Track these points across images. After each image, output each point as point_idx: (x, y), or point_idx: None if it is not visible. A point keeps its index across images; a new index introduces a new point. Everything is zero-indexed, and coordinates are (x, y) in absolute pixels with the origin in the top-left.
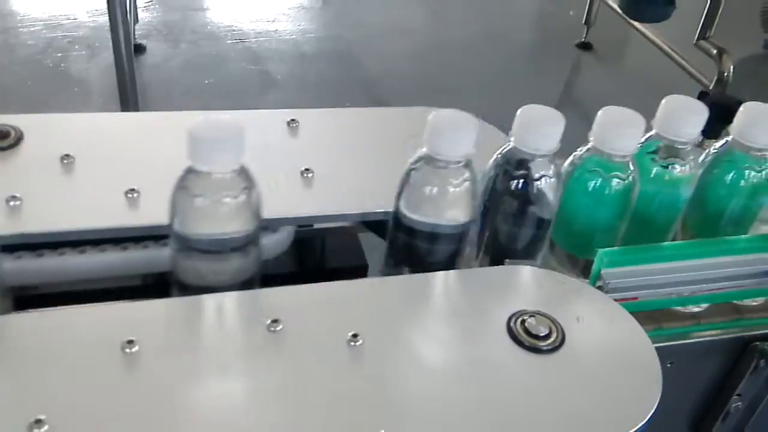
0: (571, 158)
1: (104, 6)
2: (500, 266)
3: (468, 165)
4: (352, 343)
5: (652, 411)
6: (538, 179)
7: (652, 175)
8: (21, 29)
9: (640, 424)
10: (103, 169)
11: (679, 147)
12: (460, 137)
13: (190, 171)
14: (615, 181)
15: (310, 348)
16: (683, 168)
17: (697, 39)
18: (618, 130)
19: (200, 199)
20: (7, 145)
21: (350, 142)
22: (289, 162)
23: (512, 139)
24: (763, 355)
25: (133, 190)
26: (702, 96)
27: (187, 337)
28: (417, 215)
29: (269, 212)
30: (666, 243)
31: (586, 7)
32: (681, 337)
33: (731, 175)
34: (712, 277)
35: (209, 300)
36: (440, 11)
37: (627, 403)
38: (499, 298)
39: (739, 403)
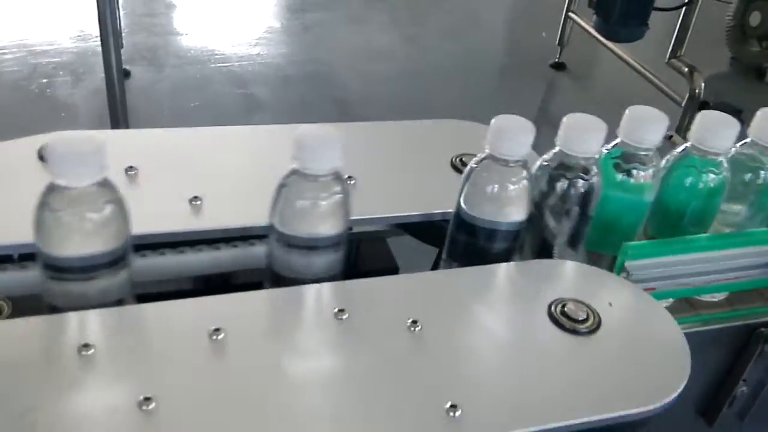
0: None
1: (86, 32)
2: (541, 260)
3: (525, 165)
4: (412, 329)
5: (683, 385)
6: (587, 181)
7: (617, 181)
8: (5, 55)
9: (673, 397)
10: (165, 179)
11: (642, 153)
12: (521, 139)
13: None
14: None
15: (374, 333)
16: (645, 173)
17: (669, 58)
18: (581, 133)
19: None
20: None
21: (384, 152)
22: None
23: (559, 143)
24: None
25: (196, 197)
26: (704, 106)
27: (267, 325)
28: (478, 213)
29: None
30: (683, 237)
31: (559, 29)
32: (694, 325)
33: (689, 179)
34: (725, 268)
35: (282, 293)
36: (416, 35)
37: (659, 379)
38: (541, 288)
39: (744, 388)
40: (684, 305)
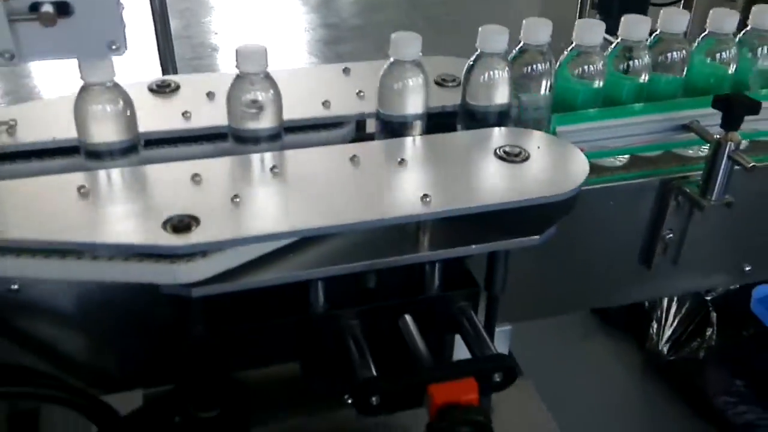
0: None
1: None
2: (499, 128)
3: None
4: (402, 162)
5: (582, 181)
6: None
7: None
8: None
9: (574, 188)
10: None
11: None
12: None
13: None
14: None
15: (377, 164)
16: (594, 68)
17: None
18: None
19: None
20: (170, 90)
21: None
22: None
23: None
24: (680, 192)
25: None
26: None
27: None
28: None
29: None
30: (603, 109)
31: None
32: (612, 181)
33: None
34: (638, 132)
35: None
36: None
37: (568, 182)
38: (491, 141)
39: (671, 235)
40: (605, 168)
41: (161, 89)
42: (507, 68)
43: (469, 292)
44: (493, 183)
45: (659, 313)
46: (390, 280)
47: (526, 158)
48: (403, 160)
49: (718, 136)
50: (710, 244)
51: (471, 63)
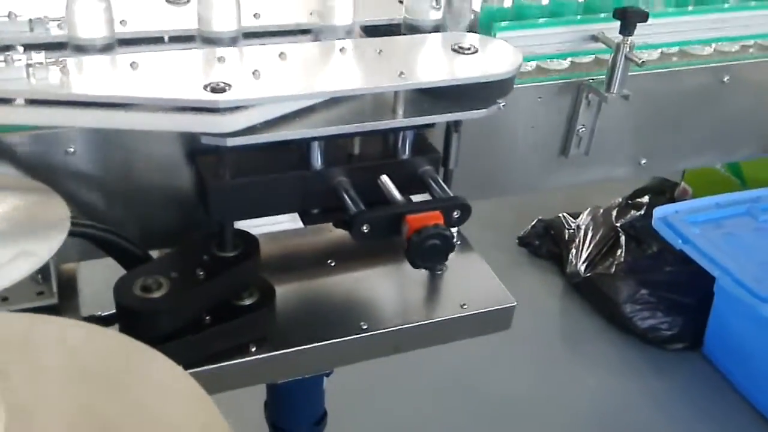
0: None
1: None
2: (453, 32)
3: None
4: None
5: (519, 64)
6: None
7: None
8: None
9: (512, 69)
10: None
11: None
12: None
13: None
14: None
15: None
16: None
17: None
18: None
19: None
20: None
21: None
22: None
23: None
24: (590, 89)
25: None
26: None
27: None
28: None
29: None
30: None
31: None
32: (540, 81)
33: None
34: (555, 41)
35: None
36: None
37: (504, 65)
38: (450, 39)
39: (584, 129)
40: (541, 70)
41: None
42: None
43: (431, 157)
44: (452, 66)
45: (578, 241)
46: (370, 149)
47: (476, 51)
48: (381, 51)
49: (617, 42)
50: (614, 140)
51: None
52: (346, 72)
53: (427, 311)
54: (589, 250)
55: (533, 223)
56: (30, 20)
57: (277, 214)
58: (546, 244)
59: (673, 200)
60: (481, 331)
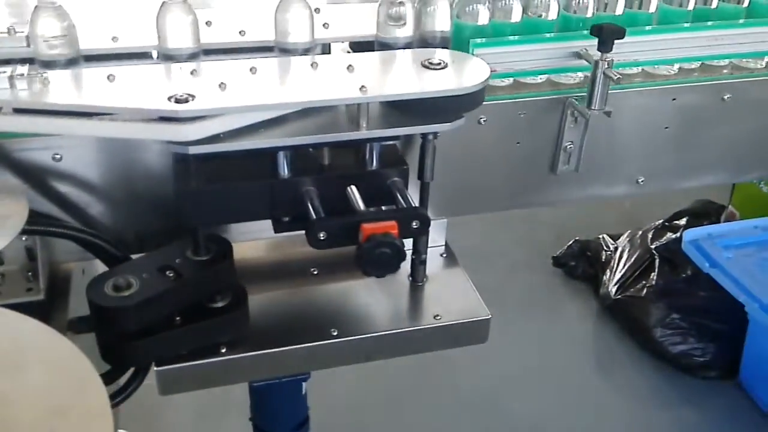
0: None
1: None
2: (427, 49)
3: None
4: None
5: (486, 77)
6: None
7: None
8: None
9: (480, 81)
10: None
11: None
12: None
13: None
14: None
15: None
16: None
17: None
18: None
19: None
20: None
21: None
22: None
23: None
24: (574, 107)
25: None
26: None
27: None
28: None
29: None
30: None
31: None
32: (524, 97)
33: None
34: (538, 58)
35: None
36: None
37: (471, 79)
38: (421, 57)
39: (572, 145)
40: (520, 84)
41: None
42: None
43: (399, 169)
44: (416, 81)
45: (613, 263)
46: (340, 160)
47: (444, 67)
48: (350, 66)
49: (596, 59)
50: (606, 158)
51: None
52: (311, 85)
53: (400, 321)
54: (622, 272)
55: (570, 243)
56: (27, 36)
57: (247, 221)
58: (582, 265)
59: (714, 223)
60: (455, 343)
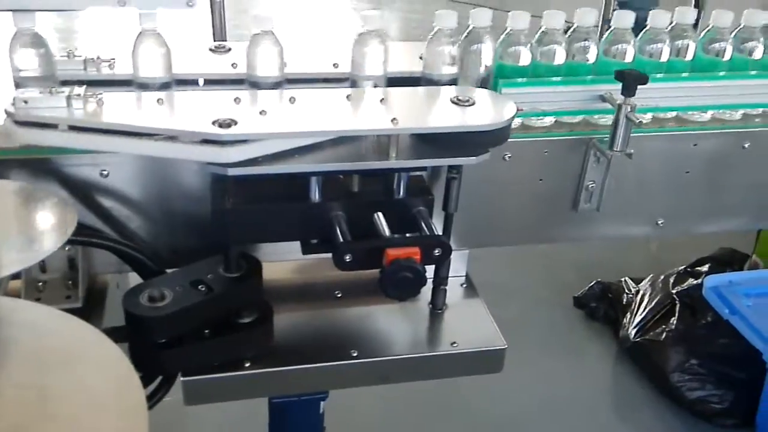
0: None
1: None
2: (459, 86)
3: None
4: (383, 101)
5: (513, 114)
6: None
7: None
8: None
9: (504, 119)
10: None
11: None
12: None
13: None
14: None
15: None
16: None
17: None
18: None
19: None
20: (224, 51)
21: None
22: None
23: None
24: (596, 148)
25: None
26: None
27: None
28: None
29: None
30: (538, 78)
31: None
32: (548, 136)
33: None
34: (563, 99)
35: None
36: None
37: (497, 117)
38: (453, 93)
39: (594, 184)
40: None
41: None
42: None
43: (424, 199)
44: (445, 116)
45: (633, 306)
46: (369, 188)
47: (473, 104)
48: (383, 99)
49: (620, 102)
50: (627, 198)
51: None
52: (345, 115)
53: (418, 346)
54: (642, 315)
55: (591, 284)
56: (84, 60)
57: (278, 241)
58: (603, 306)
59: (737, 271)
60: (471, 371)
